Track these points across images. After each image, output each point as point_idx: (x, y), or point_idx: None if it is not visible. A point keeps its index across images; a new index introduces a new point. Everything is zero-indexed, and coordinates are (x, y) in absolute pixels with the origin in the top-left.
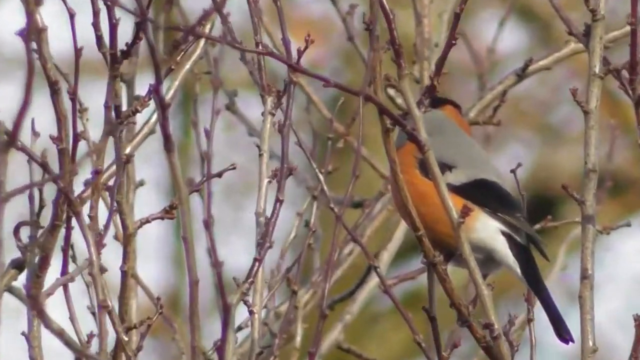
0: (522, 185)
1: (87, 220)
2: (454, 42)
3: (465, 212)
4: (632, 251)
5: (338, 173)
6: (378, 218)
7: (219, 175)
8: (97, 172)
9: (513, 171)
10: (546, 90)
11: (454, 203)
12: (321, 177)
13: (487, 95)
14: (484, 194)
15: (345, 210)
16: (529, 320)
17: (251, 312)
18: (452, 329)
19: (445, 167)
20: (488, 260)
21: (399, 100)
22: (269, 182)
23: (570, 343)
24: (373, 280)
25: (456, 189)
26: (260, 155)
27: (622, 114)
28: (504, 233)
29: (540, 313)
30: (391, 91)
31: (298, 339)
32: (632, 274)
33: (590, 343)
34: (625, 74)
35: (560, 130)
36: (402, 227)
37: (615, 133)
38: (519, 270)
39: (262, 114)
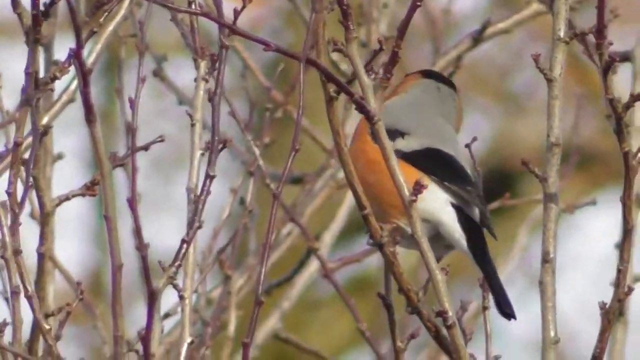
0: (479, 158)
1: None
2: (419, 2)
3: (417, 189)
4: (598, 231)
5: (276, 146)
6: (319, 195)
7: (146, 148)
8: (16, 145)
9: (468, 145)
10: (505, 56)
11: (404, 173)
12: (257, 150)
13: (440, 60)
14: (435, 163)
15: (284, 186)
16: (484, 308)
17: (181, 298)
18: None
19: (398, 134)
20: (434, 236)
21: (344, 66)
22: (202, 154)
23: (512, 319)
24: (313, 264)
25: (405, 156)
26: (193, 125)
27: (589, 81)
28: (453, 205)
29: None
30: (335, 56)
31: (231, 327)
32: (598, 256)
33: (552, 333)
34: (591, 38)
35: (521, 99)
36: (346, 206)
37: (582, 103)
38: (465, 244)
39: (195, 80)
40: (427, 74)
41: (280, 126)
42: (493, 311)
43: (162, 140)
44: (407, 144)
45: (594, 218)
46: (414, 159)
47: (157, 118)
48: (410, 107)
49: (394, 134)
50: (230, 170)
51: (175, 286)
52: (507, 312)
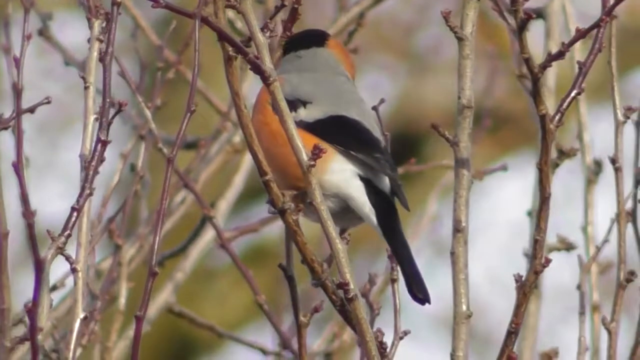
0: (383, 121)
1: None
2: None
3: (316, 154)
4: (511, 196)
5: (168, 108)
6: (215, 161)
7: (32, 110)
8: None
9: (375, 108)
10: (411, 12)
11: (306, 143)
12: (149, 113)
13: (341, 17)
14: (340, 132)
15: (178, 151)
16: (393, 281)
17: (74, 271)
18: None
19: (300, 103)
20: (344, 209)
21: (240, 24)
22: (96, 119)
23: (426, 304)
24: (208, 233)
25: (309, 127)
26: (86, 88)
27: (497, 40)
28: (361, 177)
29: None
30: (231, 13)
31: (122, 300)
32: (509, 223)
33: (464, 307)
34: None
35: (426, 58)
36: (242, 172)
37: (494, 63)
38: (374, 219)
39: (89, 40)
40: (286, 51)
41: (172, 88)
42: (401, 283)
43: (48, 102)
44: (309, 114)
45: (504, 184)
46: (318, 129)
47: (41, 79)
48: (308, 74)
49: (296, 104)
50: (120, 134)
51: (67, 258)
52: (420, 297)
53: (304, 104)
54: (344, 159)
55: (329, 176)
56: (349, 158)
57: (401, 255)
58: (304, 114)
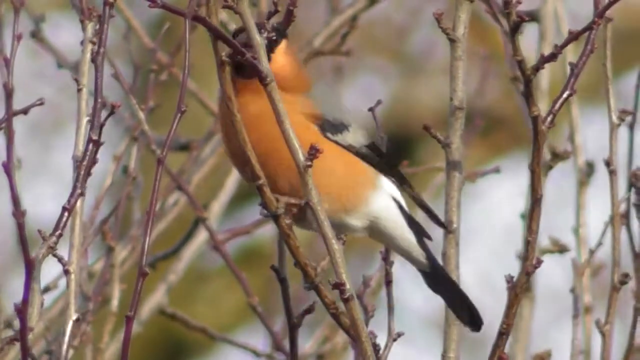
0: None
1: None
2: None
3: (313, 154)
4: (502, 199)
5: (161, 110)
6: (207, 163)
7: (25, 111)
8: None
9: (372, 109)
10: (403, 14)
11: (360, 171)
12: (142, 114)
13: (334, 20)
14: (389, 161)
15: (170, 154)
16: (387, 282)
17: (67, 272)
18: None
19: (343, 127)
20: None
21: (233, 26)
22: (89, 121)
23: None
24: (201, 235)
25: (360, 154)
26: (79, 90)
27: (491, 41)
28: (402, 210)
29: (399, 274)
30: (223, 17)
31: (115, 302)
32: (502, 225)
33: None
34: None
35: (419, 60)
36: (235, 174)
37: (487, 65)
38: (416, 243)
39: (82, 42)
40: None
41: (166, 90)
42: (396, 286)
43: (41, 104)
44: (355, 138)
45: (496, 186)
46: (368, 157)
47: (34, 81)
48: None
49: (338, 127)
50: (113, 136)
51: (59, 259)
52: (480, 323)
53: (347, 127)
54: (390, 189)
55: (373, 205)
56: (392, 187)
57: (450, 285)
58: (351, 139)
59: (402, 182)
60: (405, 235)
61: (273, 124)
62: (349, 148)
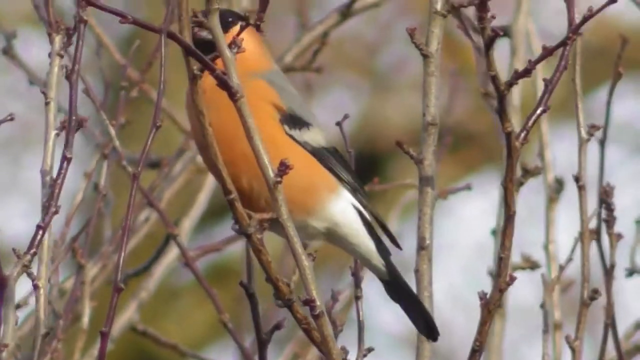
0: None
1: None
2: None
3: (282, 170)
4: (473, 215)
5: (132, 127)
6: (178, 180)
7: None
8: None
9: (339, 124)
10: (374, 30)
11: (315, 172)
12: (113, 131)
13: (305, 36)
14: (344, 166)
15: (143, 168)
16: (357, 298)
17: (35, 287)
18: (265, 306)
19: (304, 124)
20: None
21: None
22: (57, 135)
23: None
24: (172, 252)
25: (315, 153)
26: (47, 103)
27: (460, 57)
28: (362, 217)
29: (368, 289)
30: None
31: (85, 319)
32: (473, 242)
33: None
34: (466, 11)
35: (390, 77)
36: (206, 190)
37: (457, 80)
38: (375, 250)
39: (49, 55)
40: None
41: (136, 107)
42: (365, 301)
43: (12, 119)
44: (313, 138)
45: (467, 202)
46: (323, 157)
47: (4, 97)
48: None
49: (298, 120)
50: (83, 153)
51: (29, 274)
52: (436, 334)
53: (308, 125)
54: (350, 196)
55: (333, 209)
56: (347, 189)
57: (409, 295)
58: (308, 136)
59: (362, 196)
60: (365, 243)
61: (243, 137)
62: (304, 145)
